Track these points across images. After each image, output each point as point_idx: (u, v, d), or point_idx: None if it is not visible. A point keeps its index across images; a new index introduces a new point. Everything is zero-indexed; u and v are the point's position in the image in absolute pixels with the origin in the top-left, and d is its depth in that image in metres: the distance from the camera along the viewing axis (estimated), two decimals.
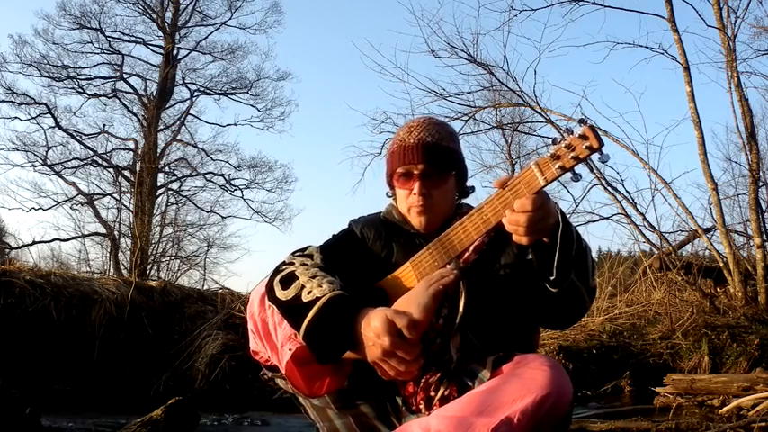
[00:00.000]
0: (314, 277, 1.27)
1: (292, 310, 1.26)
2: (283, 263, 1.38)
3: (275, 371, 1.42)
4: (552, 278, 1.25)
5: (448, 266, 1.33)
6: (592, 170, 6.42)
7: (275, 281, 1.32)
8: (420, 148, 1.44)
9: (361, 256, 1.48)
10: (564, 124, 6.88)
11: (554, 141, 1.18)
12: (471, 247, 1.37)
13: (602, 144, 1.13)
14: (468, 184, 1.58)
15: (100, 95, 16.00)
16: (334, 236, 1.53)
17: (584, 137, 1.13)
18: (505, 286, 1.41)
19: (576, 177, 1.18)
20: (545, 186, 1.19)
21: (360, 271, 1.43)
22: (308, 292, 1.24)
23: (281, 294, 1.29)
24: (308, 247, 1.42)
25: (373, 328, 1.16)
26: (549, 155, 1.17)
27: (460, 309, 1.34)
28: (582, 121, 1.15)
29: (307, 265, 1.33)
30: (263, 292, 1.38)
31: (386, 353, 1.16)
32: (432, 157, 1.44)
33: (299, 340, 1.26)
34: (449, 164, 1.48)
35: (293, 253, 1.40)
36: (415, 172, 1.45)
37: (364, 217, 1.58)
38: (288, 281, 1.30)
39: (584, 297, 1.34)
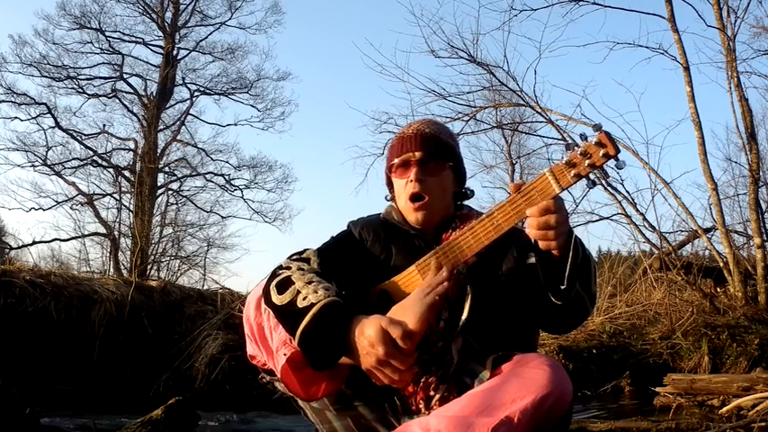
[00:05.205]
0: (310, 283, 1.27)
1: (288, 316, 1.25)
2: (280, 267, 1.37)
3: (273, 374, 1.41)
4: (561, 288, 1.24)
5: (443, 272, 1.29)
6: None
7: (271, 285, 1.32)
8: (418, 137, 1.48)
9: (360, 259, 1.47)
10: (564, 124, 6.88)
11: (567, 147, 1.16)
12: None
13: (618, 151, 1.12)
14: (468, 186, 1.58)
15: (100, 95, 15.98)
16: (332, 237, 1.53)
17: (600, 144, 1.12)
18: (506, 289, 1.41)
19: (591, 184, 1.17)
20: (560, 193, 1.18)
21: (358, 273, 1.42)
22: (304, 298, 1.24)
23: (276, 299, 1.28)
24: (305, 251, 1.41)
25: (367, 336, 1.15)
26: (563, 162, 1.16)
27: (465, 313, 1.33)
28: (597, 128, 1.13)
29: (303, 269, 1.32)
30: (258, 297, 1.38)
31: (380, 362, 1.16)
32: (429, 147, 1.47)
33: (294, 345, 1.25)
34: (446, 155, 1.50)
35: (290, 257, 1.40)
36: (413, 159, 1.46)
37: (363, 218, 1.57)
38: (284, 285, 1.29)
39: (586, 305, 1.34)
